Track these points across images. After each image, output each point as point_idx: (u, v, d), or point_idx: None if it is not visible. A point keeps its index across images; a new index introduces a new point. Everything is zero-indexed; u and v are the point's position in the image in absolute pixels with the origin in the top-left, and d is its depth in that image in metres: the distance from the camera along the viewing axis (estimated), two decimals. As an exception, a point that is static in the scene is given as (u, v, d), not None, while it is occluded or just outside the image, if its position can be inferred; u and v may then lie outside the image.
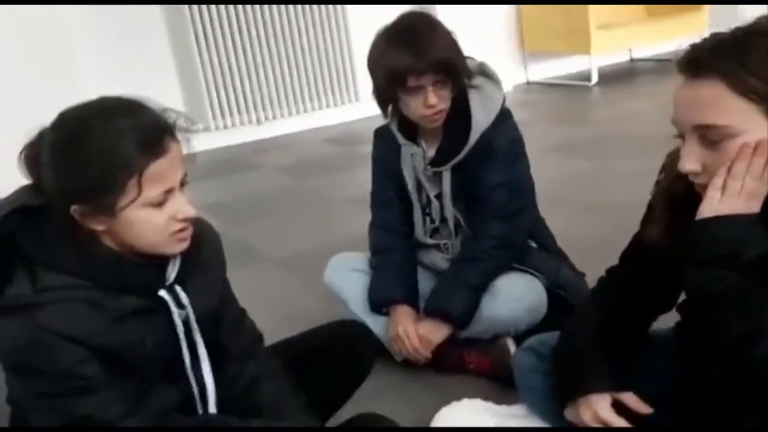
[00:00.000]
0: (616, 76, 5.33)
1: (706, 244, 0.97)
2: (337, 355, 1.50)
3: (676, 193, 1.10)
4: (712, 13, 5.11)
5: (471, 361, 1.74)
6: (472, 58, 1.75)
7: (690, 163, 0.99)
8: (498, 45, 5.10)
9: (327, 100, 4.82)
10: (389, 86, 1.64)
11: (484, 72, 1.75)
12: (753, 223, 0.96)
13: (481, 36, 4.59)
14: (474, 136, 1.69)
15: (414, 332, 1.72)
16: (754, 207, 0.96)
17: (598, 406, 1.19)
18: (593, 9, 4.78)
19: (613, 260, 1.34)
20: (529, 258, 1.78)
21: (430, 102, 1.61)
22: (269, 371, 1.34)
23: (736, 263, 0.94)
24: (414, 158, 1.79)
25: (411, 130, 1.78)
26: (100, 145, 1.02)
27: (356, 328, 1.62)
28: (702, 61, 0.94)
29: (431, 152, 1.77)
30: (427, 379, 1.77)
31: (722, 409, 1.10)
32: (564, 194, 2.94)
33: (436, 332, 1.73)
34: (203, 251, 1.23)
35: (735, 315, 0.95)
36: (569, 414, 1.25)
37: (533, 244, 1.84)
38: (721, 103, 0.93)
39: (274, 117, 4.74)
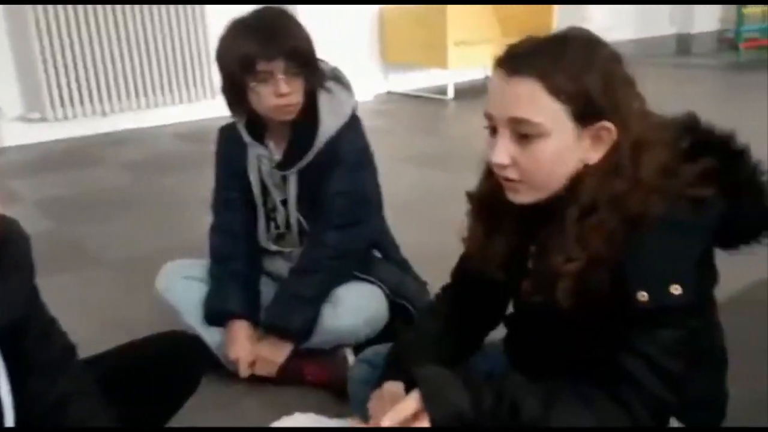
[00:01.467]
0: (472, 92, 5.51)
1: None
2: (161, 368, 1.38)
3: (483, 196, 1.13)
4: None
5: (309, 373, 1.69)
6: (325, 62, 1.71)
7: (500, 155, 1.00)
8: (360, 54, 5.12)
9: (181, 95, 4.59)
10: (238, 73, 1.56)
11: (337, 77, 1.71)
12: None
13: (342, 44, 4.59)
14: (320, 140, 1.65)
15: (247, 359, 1.66)
16: None
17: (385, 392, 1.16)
18: (451, 25, 4.92)
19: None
20: (371, 268, 1.76)
21: (281, 90, 1.55)
22: (80, 387, 1.20)
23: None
24: (260, 160, 1.72)
25: (259, 130, 1.71)
26: None
27: (186, 339, 1.51)
28: (521, 59, 0.98)
29: (278, 155, 1.70)
30: (264, 392, 1.70)
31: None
32: (415, 204, 2.98)
33: (277, 352, 1.67)
34: (6, 254, 1.08)
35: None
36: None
37: (377, 254, 1.82)
38: (536, 101, 0.96)
39: (122, 110, 4.45)
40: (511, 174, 1.02)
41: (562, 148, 0.98)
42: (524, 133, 0.98)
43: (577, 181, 1.00)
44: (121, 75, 4.39)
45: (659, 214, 0.95)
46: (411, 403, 0.97)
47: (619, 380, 0.96)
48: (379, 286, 1.72)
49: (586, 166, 1.00)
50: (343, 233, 1.68)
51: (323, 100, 1.66)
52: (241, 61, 1.54)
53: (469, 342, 1.29)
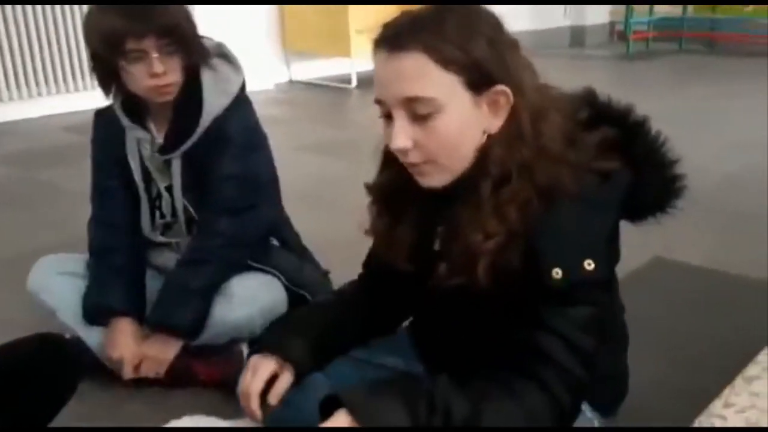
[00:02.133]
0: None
1: None
2: (30, 374, 1.24)
3: (383, 186, 1.09)
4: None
5: (201, 372, 1.58)
6: (209, 38, 1.60)
7: (401, 139, 0.96)
8: (260, 42, 5.00)
9: (68, 85, 4.32)
10: (107, 53, 1.42)
11: (222, 53, 1.60)
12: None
13: (241, 33, 4.45)
14: (205, 120, 1.53)
15: (132, 360, 1.53)
16: None
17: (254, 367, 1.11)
18: (353, 13, 4.84)
19: (362, 259, 1.29)
20: (268, 256, 1.67)
21: (155, 70, 1.42)
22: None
23: None
24: (140, 144, 1.59)
25: (139, 112, 1.58)
26: None
27: (59, 342, 1.36)
28: (403, 35, 0.93)
29: (160, 138, 1.58)
30: (151, 395, 1.57)
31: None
32: (317, 193, 2.92)
33: (164, 350, 1.54)
34: None
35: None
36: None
37: (274, 242, 1.72)
38: (425, 75, 0.92)
39: (3, 100, 4.15)
40: (416, 158, 0.97)
41: (462, 121, 0.95)
42: (421, 112, 0.94)
43: (483, 153, 0.97)
44: (2, 64, 4.10)
45: (570, 188, 0.93)
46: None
47: (538, 362, 0.94)
48: (276, 276, 1.63)
49: (490, 137, 0.97)
50: (235, 220, 1.57)
51: (207, 78, 1.54)
52: (108, 39, 1.40)
53: (376, 327, 1.25)
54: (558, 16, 7.69)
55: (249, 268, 1.62)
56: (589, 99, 1.05)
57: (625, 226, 1.04)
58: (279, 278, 1.63)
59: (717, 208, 2.72)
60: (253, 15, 4.99)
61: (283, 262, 1.68)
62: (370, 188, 1.12)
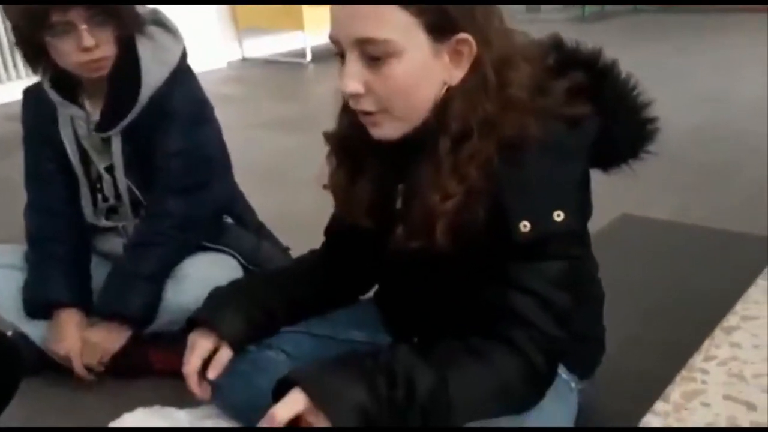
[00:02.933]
0: (330, 54, 5.30)
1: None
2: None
3: (342, 135, 1.01)
4: None
5: (157, 361, 1.50)
6: (143, 5, 1.48)
7: (352, 83, 0.88)
8: (210, 20, 4.84)
9: (9, 73, 4.17)
10: (30, 28, 1.31)
11: (158, 20, 1.49)
12: None
13: (189, 11, 4.30)
14: (145, 93, 1.43)
15: (79, 351, 1.44)
16: None
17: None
18: (305, -15, 4.71)
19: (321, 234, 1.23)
20: (223, 235, 1.58)
21: (85, 44, 1.31)
22: None
23: None
24: (75, 122, 1.48)
25: (71, 87, 1.46)
26: None
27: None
28: None
29: (97, 115, 1.46)
30: (103, 387, 1.48)
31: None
32: (275, 170, 2.85)
33: (112, 339, 1.45)
34: None
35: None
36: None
37: (229, 220, 1.63)
38: (381, 15, 0.85)
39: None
40: (368, 105, 0.90)
41: (419, 67, 0.88)
42: (375, 55, 0.86)
43: (443, 106, 0.89)
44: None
45: (537, 138, 0.87)
46: (294, 406, 0.82)
47: (510, 323, 0.88)
48: (232, 254, 1.54)
49: (451, 89, 0.90)
50: (185, 199, 1.48)
51: (144, 48, 1.43)
52: (29, 11, 1.29)
53: (337, 296, 1.19)
54: (512, -18, 7.64)
55: (202, 249, 1.53)
56: (556, 44, 0.99)
57: (591, 182, 0.99)
58: (235, 257, 1.55)
59: (683, 161, 2.70)
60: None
61: (239, 240, 1.59)
62: (328, 137, 1.04)
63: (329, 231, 1.21)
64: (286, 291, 1.15)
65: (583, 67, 0.95)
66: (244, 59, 5.31)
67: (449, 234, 0.89)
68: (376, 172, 0.99)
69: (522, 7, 7.56)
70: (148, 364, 1.50)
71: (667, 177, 2.46)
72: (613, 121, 0.94)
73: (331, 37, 0.90)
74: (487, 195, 0.88)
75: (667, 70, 4.37)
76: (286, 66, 5.10)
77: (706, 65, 4.45)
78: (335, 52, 0.91)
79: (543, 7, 7.61)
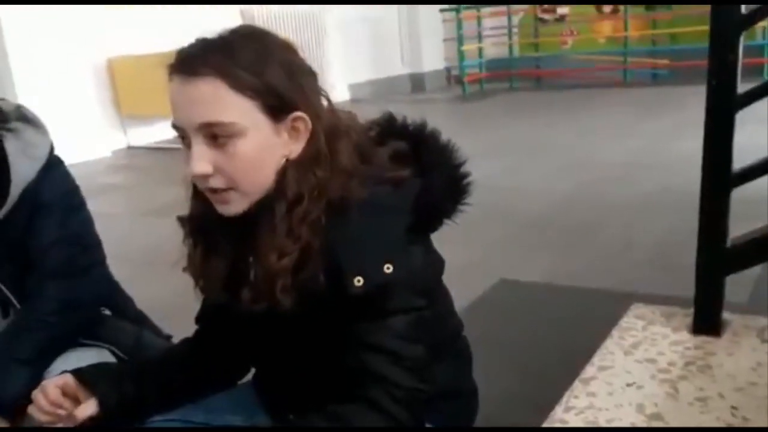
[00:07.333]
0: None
1: None
2: None
3: (194, 217, 1.06)
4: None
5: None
6: (5, 100, 1.48)
7: (201, 164, 0.93)
8: (92, 110, 4.77)
9: None
10: None
11: (23, 116, 1.48)
12: None
13: (71, 102, 4.27)
14: (16, 189, 1.40)
15: None
16: None
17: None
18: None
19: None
20: (101, 328, 1.54)
21: None
22: None
23: None
24: (-63, 220, 1.42)
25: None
26: None
27: None
28: (197, 60, 0.92)
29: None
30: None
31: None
32: (158, 257, 2.78)
33: None
34: None
35: None
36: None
37: (107, 312, 1.60)
38: (220, 99, 0.91)
39: None
40: (217, 183, 0.95)
41: (262, 146, 0.94)
42: (220, 136, 0.92)
43: (281, 176, 0.96)
44: None
45: (361, 199, 0.94)
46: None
47: (367, 383, 0.91)
48: (109, 349, 1.51)
49: (289, 161, 0.96)
50: (66, 284, 1.44)
51: (10, 144, 1.41)
52: None
53: (211, 381, 1.19)
54: (397, 65, 8.01)
55: (78, 346, 1.49)
56: (388, 119, 1.09)
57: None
58: (113, 352, 1.51)
59: (551, 225, 2.89)
60: (83, 83, 4.76)
61: (117, 332, 1.55)
62: (183, 220, 1.08)
63: (200, 318, 1.22)
64: (158, 376, 1.15)
65: (410, 137, 1.05)
66: (129, 147, 5.25)
67: (291, 293, 0.94)
68: (228, 248, 1.03)
69: (407, 88, 7.93)
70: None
71: (538, 241, 2.63)
72: (433, 180, 1.01)
73: (174, 124, 0.95)
74: (321, 254, 0.94)
75: (539, 141, 4.70)
76: (172, 152, 5.07)
77: (572, 134, 4.83)
78: (178, 137, 0.96)
79: (428, 88, 8.02)
